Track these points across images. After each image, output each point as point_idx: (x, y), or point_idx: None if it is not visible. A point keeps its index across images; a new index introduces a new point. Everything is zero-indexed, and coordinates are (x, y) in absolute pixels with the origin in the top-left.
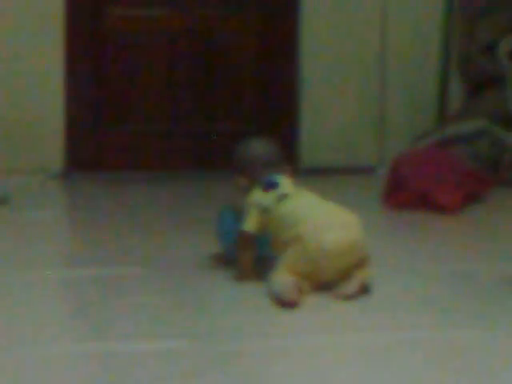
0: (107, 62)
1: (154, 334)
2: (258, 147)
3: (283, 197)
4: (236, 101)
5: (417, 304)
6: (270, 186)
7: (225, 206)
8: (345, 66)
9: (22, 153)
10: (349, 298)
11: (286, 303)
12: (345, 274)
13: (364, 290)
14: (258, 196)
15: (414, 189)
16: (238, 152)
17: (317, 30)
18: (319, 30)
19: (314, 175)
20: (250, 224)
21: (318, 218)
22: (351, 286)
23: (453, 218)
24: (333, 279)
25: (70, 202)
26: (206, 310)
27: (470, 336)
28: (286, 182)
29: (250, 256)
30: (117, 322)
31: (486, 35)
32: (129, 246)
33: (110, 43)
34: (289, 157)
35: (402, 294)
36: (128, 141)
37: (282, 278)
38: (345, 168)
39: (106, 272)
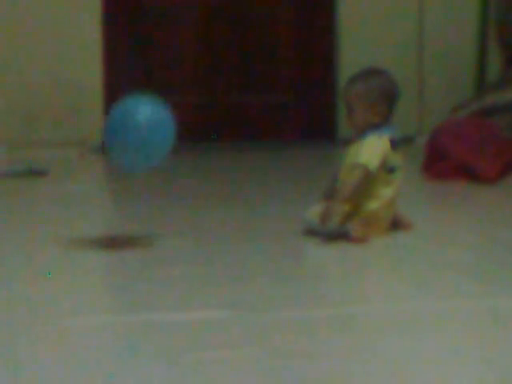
0: (146, 35)
1: (194, 304)
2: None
3: (392, 169)
4: (273, 72)
5: (459, 274)
6: (394, 145)
7: None
8: (383, 35)
9: (62, 126)
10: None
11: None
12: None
13: None
14: (387, 145)
15: (454, 158)
16: (388, 81)
17: (354, 2)
18: (356, 2)
19: None
20: (375, 162)
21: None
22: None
23: (492, 187)
24: None
25: (110, 175)
26: (246, 281)
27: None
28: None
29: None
30: (156, 293)
31: None
32: (168, 218)
33: (147, 17)
34: (328, 127)
35: (444, 264)
36: None
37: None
38: None
39: (147, 243)
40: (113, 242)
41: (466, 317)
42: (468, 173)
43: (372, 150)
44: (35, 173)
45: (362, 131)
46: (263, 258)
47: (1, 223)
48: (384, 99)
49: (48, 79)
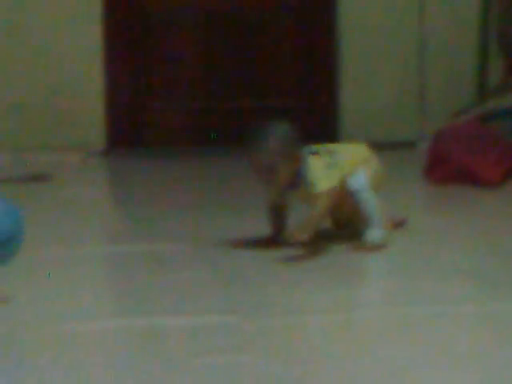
0: (146, 40)
1: (198, 309)
2: None
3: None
4: (275, 77)
5: (461, 277)
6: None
7: None
8: (384, 41)
9: (63, 130)
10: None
11: None
12: None
13: None
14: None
15: (456, 163)
16: (286, 125)
17: (356, 3)
18: (358, 3)
19: None
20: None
21: None
22: None
23: (494, 191)
24: None
25: (111, 179)
26: (250, 286)
27: None
28: None
29: None
30: (161, 298)
31: None
32: (171, 223)
33: (147, 23)
34: (329, 132)
35: (445, 269)
36: (168, 117)
37: None
38: (385, 143)
39: (150, 248)
40: (117, 246)
41: (465, 321)
42: (470, 177)
43: (324, 176)
44: (37, 178)
45: (290, 183)
46: (264, 264)
47: None
48: (295, 142)
49: (49, 83)
